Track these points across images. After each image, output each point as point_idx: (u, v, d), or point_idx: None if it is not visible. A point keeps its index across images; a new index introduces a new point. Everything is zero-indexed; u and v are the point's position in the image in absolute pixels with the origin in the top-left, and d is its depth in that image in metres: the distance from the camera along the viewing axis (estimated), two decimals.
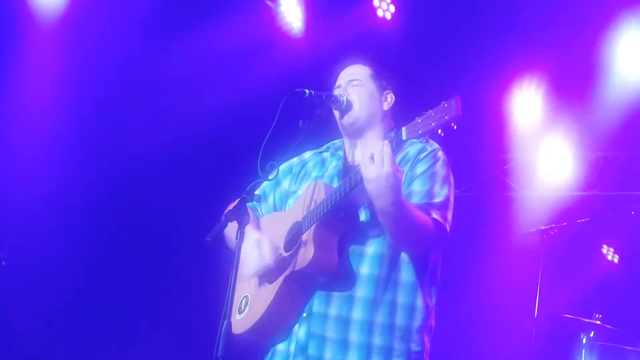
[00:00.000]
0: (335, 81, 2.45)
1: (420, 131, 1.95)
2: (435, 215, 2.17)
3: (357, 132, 2.37)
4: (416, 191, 2.24)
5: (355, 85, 2.38)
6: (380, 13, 5.27)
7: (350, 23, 5.16)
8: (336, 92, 2.38)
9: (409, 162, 2.29)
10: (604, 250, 7.86)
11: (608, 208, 6.64)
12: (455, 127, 1.88)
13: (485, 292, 6.67)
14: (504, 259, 6.82)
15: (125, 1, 4.60)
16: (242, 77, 4.94)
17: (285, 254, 2.33)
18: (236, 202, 2.14)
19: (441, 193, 2.25)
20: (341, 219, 2.25)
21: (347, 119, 2.34)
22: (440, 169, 2.27)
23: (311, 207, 2.28)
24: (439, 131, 1.91)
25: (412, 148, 2.29)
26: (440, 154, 2.32)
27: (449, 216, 2.25)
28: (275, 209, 2.56)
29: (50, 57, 4.53)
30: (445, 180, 2.26)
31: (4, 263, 4.34)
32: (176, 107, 4.81)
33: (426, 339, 2.26)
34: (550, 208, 6.51)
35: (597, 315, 5.11)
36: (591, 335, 5.10)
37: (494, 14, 5.14)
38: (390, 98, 2.40)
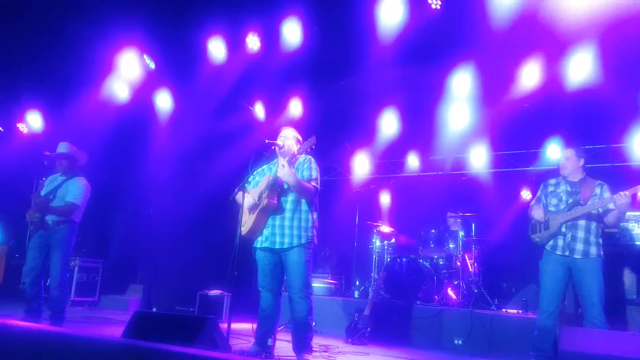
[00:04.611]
0: (279, 134, 4.11)
1: (307, 150, 3.70)
2: (313, 183, 3.90)
3: (284, 156, 3.99)
4: (305, 175, 3.96)
5: (285, 137, 4.08)
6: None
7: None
8: (278, 140, 4.08)
9: (302, 164, 4.00)
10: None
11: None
12: (314, 147, 3.65)
13: (332, 213, 8.65)
14: (346, 198, 9.24)
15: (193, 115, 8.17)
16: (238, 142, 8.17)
17: (257, 201, 4.01)
18: (240, 185, 3.98)
19: (313, 175, 3.97)
20: (276, 188, 3.92)
21: (281, 151, 4.02)
22: (314, 165, 3.97)
23: (266, 184, 4.02)
24: (309, 149, 3.73)
25: (302, 157, 3.98)
26: (312, 159, 3.94)
27: (318, 184, 3.92)
28: (254, 187, 4.20)
29: (162, 135, 8.53)
30: (316, 170, 3.95)
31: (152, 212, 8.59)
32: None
33: (314, 231, 4.04)
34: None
35: (379, 222, 7.88)
36: (378, 229, 7.88)
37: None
38: (299, 143, 4.03)
